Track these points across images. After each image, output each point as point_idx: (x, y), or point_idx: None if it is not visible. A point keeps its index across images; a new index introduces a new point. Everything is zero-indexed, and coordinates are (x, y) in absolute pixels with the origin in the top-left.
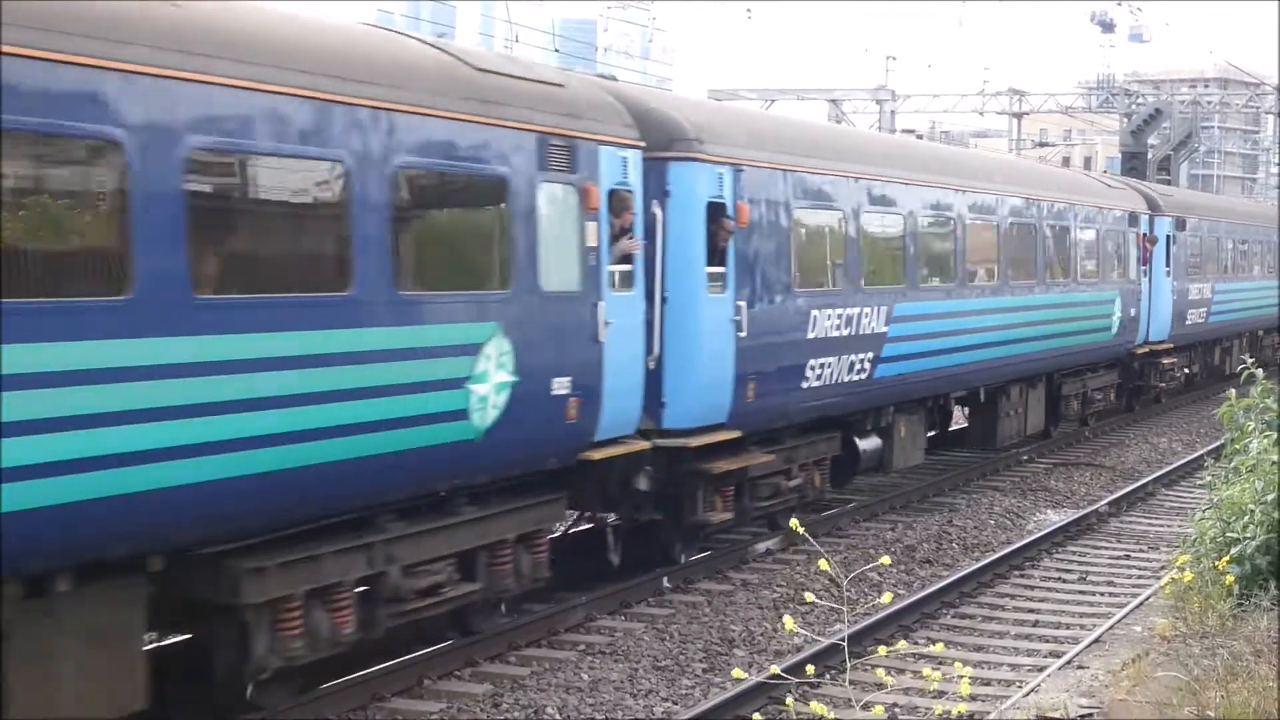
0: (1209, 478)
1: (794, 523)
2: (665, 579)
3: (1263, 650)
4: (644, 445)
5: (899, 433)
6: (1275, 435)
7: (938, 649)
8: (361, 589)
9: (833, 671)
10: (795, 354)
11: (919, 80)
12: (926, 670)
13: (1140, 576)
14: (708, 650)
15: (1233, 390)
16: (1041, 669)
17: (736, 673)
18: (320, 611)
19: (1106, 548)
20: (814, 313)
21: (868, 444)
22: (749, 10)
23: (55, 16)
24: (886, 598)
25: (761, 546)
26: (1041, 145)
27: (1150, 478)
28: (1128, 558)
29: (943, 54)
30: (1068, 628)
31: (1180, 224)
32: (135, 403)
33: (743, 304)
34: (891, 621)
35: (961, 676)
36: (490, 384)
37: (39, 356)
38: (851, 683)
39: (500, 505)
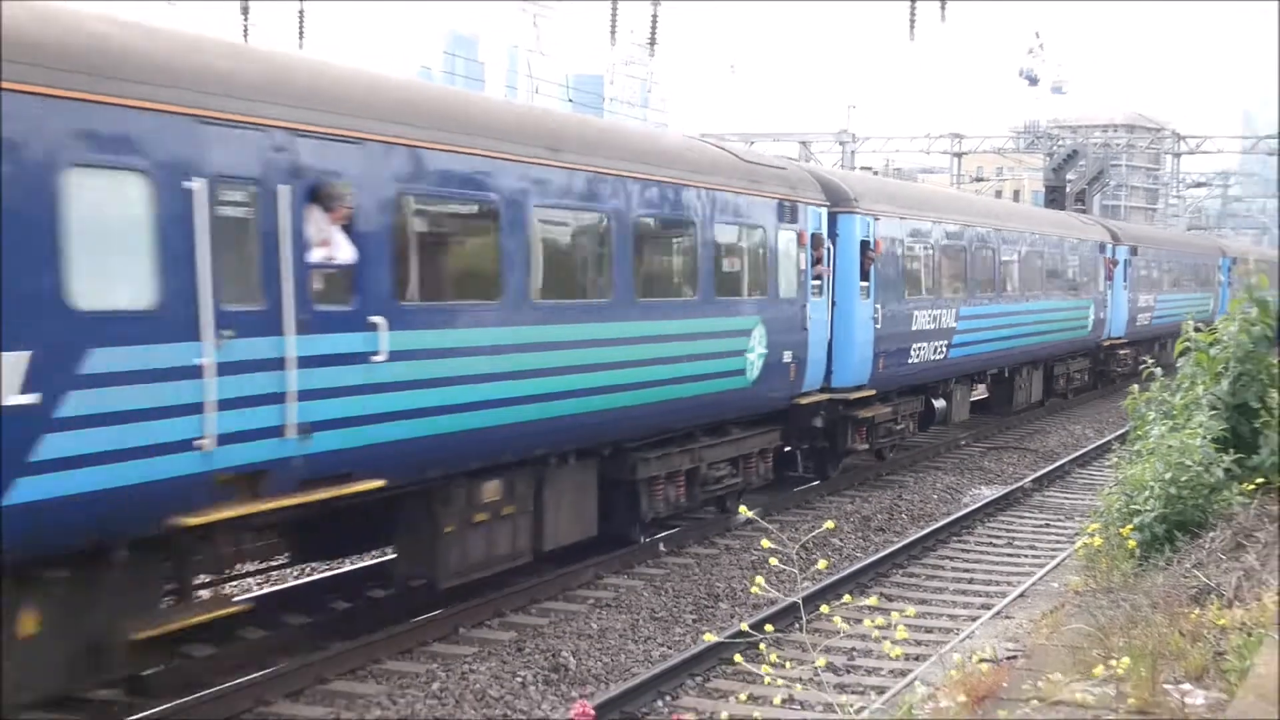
0: (1116, 459)
1: (743, 508)
2: (661, 544)
3: (1158, 602)
4: (823, 397)
5: (956, 397)
6: (1170, 423)
7: (873, 600)
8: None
9: (799, 622)
10: (906, 340)
11: (875, 124)
12: (867, 621)
13: (1058, 542)
14: (697, 604)
15: (1136, 385)
16: (975, 619)
17: (708, 636)
18: (671, 487)
19: (1030, 518)
20: (916, 313)
21: (939, 403)
22: (732, 65)
23: (458, 124)
24: (822, 564)
25: (742, 517)
26: (977, 180)
27: (1067, 459)
28: (1048, 526)
29: (896, 101)
30: (997, 584)
31: (1134, 250)
32: (592, 359)
33: (879, 307)
34: (851, 580)
35: (898, 625)
36: (756, 354)
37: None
38: (814, 630)
39: (751, 431)
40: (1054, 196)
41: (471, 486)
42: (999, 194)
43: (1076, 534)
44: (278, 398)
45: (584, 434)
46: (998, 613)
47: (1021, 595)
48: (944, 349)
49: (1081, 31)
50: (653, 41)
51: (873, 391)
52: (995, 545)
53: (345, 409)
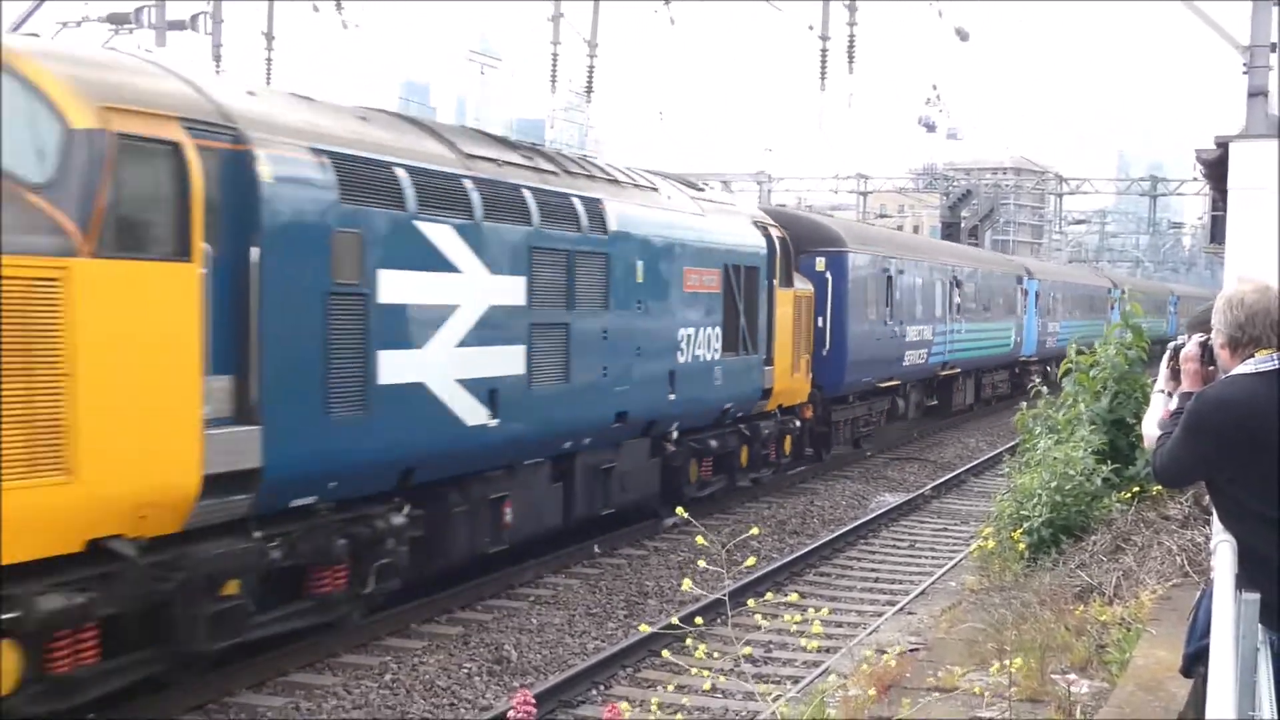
0: (1007, 469)
1: (680, 510)
2: (596, 545)
3: (1046, 600)
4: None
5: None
6: (1055, 437)
7: (793, 598)
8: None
9: (722, 617)
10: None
11: (789, 164)
12: (786, 616)
13: (955, 544)
14: (628, 601)
15: (1025, 403)
16: (881, 615)
17: (643, 627)
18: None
19: (930, 522)
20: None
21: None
22: (660, 112)
23: (859, 238)
24: (750, 562)
25: (669, 521)
26: (881, 216)
27: (963, 469)
28: (946, 530)
29: (807, 145)
30: (901, 583)
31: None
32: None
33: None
34: (768, 579)
35: (814, 620)
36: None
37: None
38: (736, 625)
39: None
40: (950, 232)
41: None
42: (900, 228)
43: (972, 537)
44: None
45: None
46: (901, 609)
47: (923, 593)
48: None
49: (974, 83)
50: (589, 90)
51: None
52: (899, 547)
53: None
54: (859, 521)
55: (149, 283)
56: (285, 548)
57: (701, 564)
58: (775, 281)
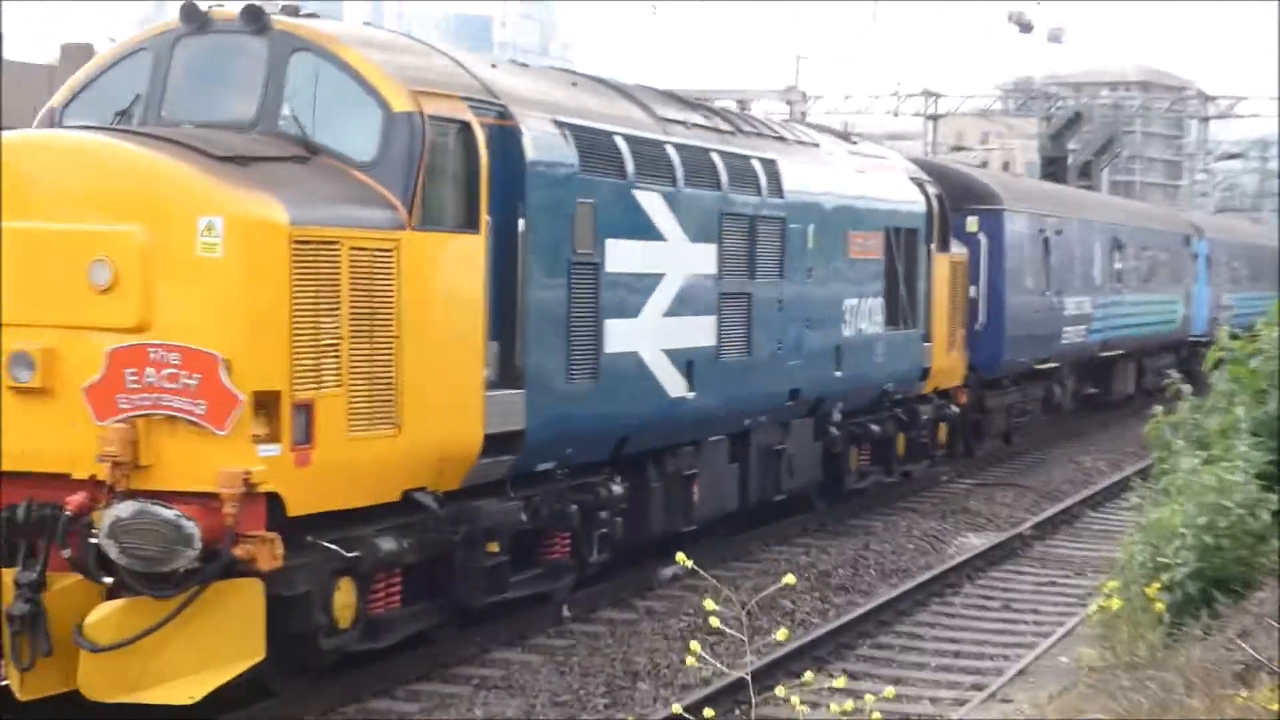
0: (1136, 499)
1: (681, 556)
2: (565, 607)
3: (1195, 682)
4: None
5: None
6: (1204, 454)
7: (841, 681)
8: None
9: (743, 706)
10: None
11: (831, 80)
12: (834, 705)
13: (1066, 604)
14: (610, 684)
15: (1159, 406)
16: (963, 702)
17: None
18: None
19: (1031, 573)
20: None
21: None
22: (654, 7)
23: (1016, 194)
24: (782, 634)
25: (668, 572)
26: (957, 149)
27: (1075, 499)
28: (1053, 584)
29: (855, 53)
30: (991, 658)
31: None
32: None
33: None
34: (806, 652)
35: (871, 711)
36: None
37: None
38: (763, 718)
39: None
40: (1052, 170)
41: None
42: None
43: (1089, 594)
44: None
45: None
46: (992, 694)
47: (1022, 673)
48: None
49: None
50: None
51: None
52: (987, 609)
53: None
54: (933, 573)
55: (450, 253)
56: (529, 511)
57: (715, 623)
58: (933, 246)
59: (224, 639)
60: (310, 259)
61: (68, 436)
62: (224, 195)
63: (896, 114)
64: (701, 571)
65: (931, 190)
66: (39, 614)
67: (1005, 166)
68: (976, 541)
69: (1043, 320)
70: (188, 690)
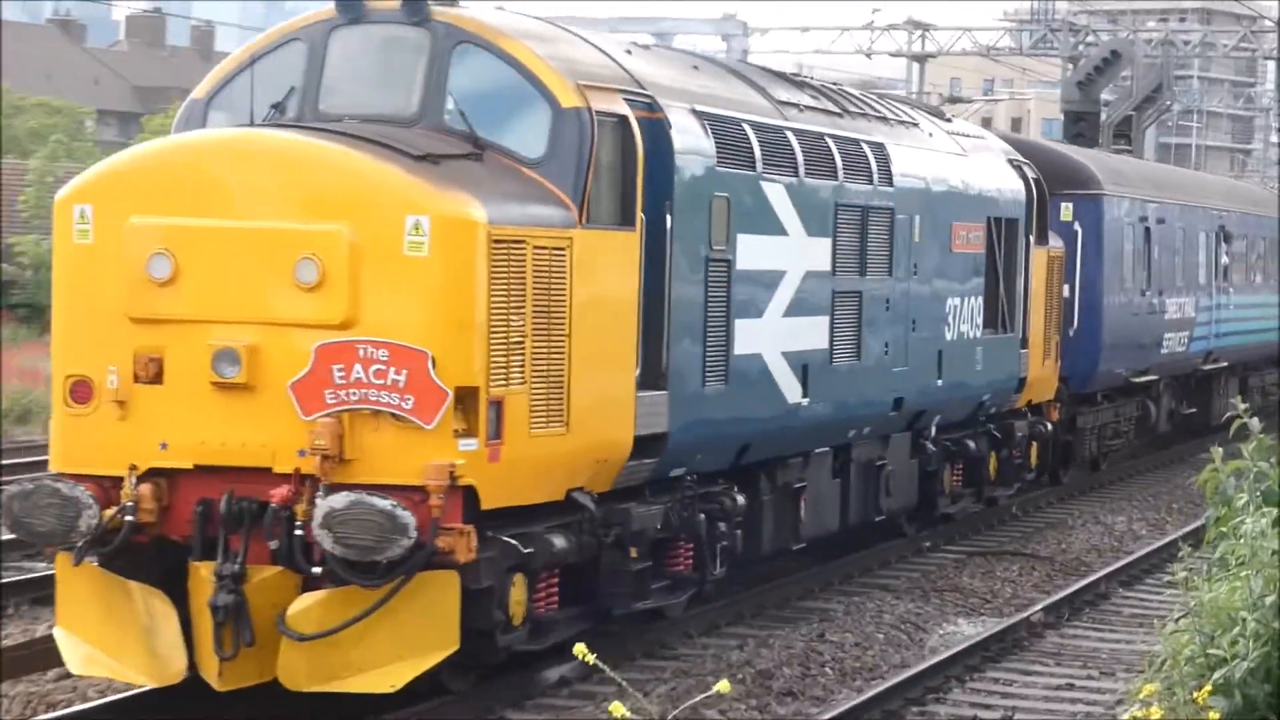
0: (1184, 572)
1: (580, 648)
2: None
3: None
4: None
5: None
6: (1275, 512)
7: None
8: None
9: None
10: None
11: (781, 8)
12: None
13: (1090, 714)
14: None
15: (1218, 449)
16: None
17: None
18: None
19: (1042, 673)
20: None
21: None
22: None
23: (1115, 177)
24: None
25: (554, 674)
26: (953, 100)
27: (1102, 573)
28: (1071, 687)
29: None
30: None
31: None
32: None
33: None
34: None
35: None
36: None
37: None
38: None
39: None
40: (1080, 129)
41: None
42: (987, 123)
43: (1119, 702)
44: None
45: None
46: None
47: None
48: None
49: None
50: None
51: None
52: None
53: None
54: (910, 672)
55: (610, 250)
56: (662, 518)
57: None
58: (1032, 238)
59: (422, 630)
60: (504, 258)
61: (271, 431)
62: (430, 195)
63: (871, 54)
64: (605, 668)
65: (1030, 174)
66: (242, 605)
67: (1015, 124)
68: (969, 630)
69: (1142, 326)
70: (387, 680)
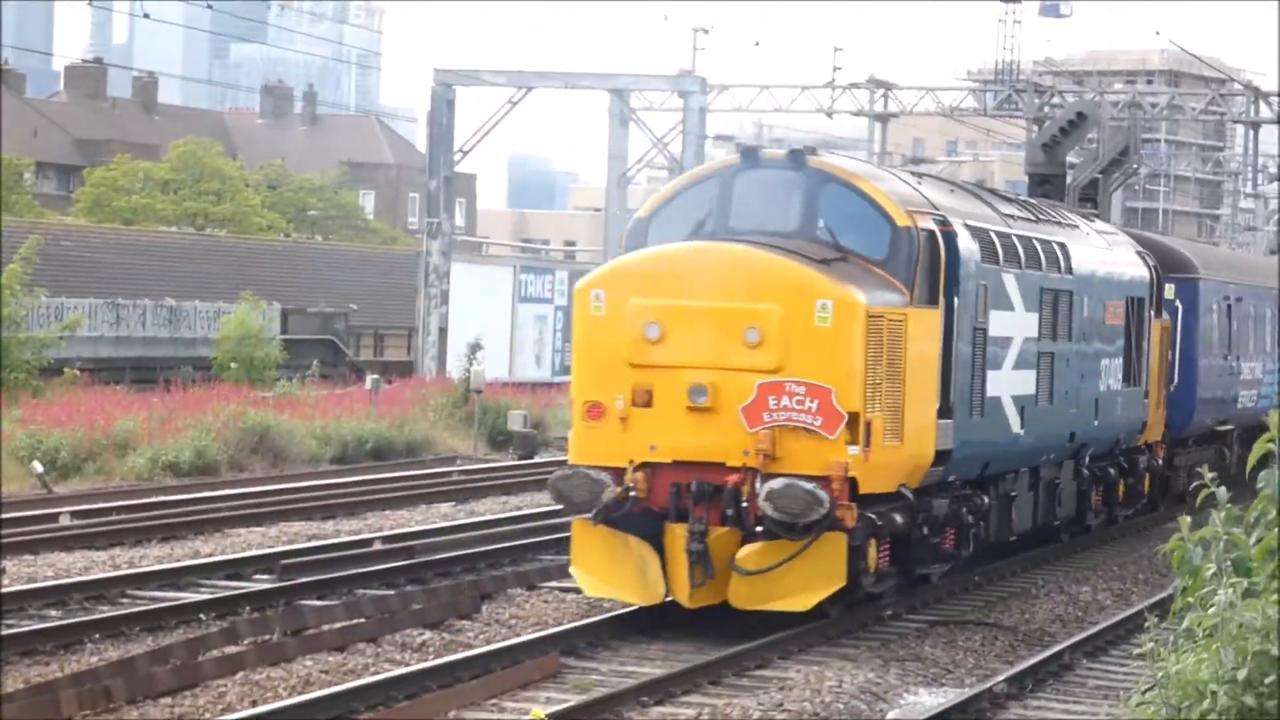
0: (1151, 644)
1: (536, 713)
2: None
3: None
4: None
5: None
6: (1245, 582)
7: None
8: None
9: None
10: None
11: (739, 64)
12: None
13: None
14: None
15: (1185, 518)
16: None
17: None
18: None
19: None
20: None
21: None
22: None
23: (1207, 262)
24: None
25: None
26: (915, 161)
27: (1067, 643)
28: None
29: (775, 28)
30: None
31: None
32: None
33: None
34: None
35: None
36: None
37: None
38: None
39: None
40: (1045, 190)
41: None
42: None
43: None
44: None
45: None
46: None
47: None
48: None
49: None
50: None
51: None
52: None
53: None
54: None
55: (926, 322)
56: (946, 509)
57: None
58: (1151, 312)
59: (822, 571)
60: (873, 328)
61: (726, 439)
62: (830, 286)
63: (832, 114)
64: None
65: (1150, 262)
66: (705, 551)
67: (982, 186)
68: (929, 700)
69: (1224, 384)
70: (801, 603)
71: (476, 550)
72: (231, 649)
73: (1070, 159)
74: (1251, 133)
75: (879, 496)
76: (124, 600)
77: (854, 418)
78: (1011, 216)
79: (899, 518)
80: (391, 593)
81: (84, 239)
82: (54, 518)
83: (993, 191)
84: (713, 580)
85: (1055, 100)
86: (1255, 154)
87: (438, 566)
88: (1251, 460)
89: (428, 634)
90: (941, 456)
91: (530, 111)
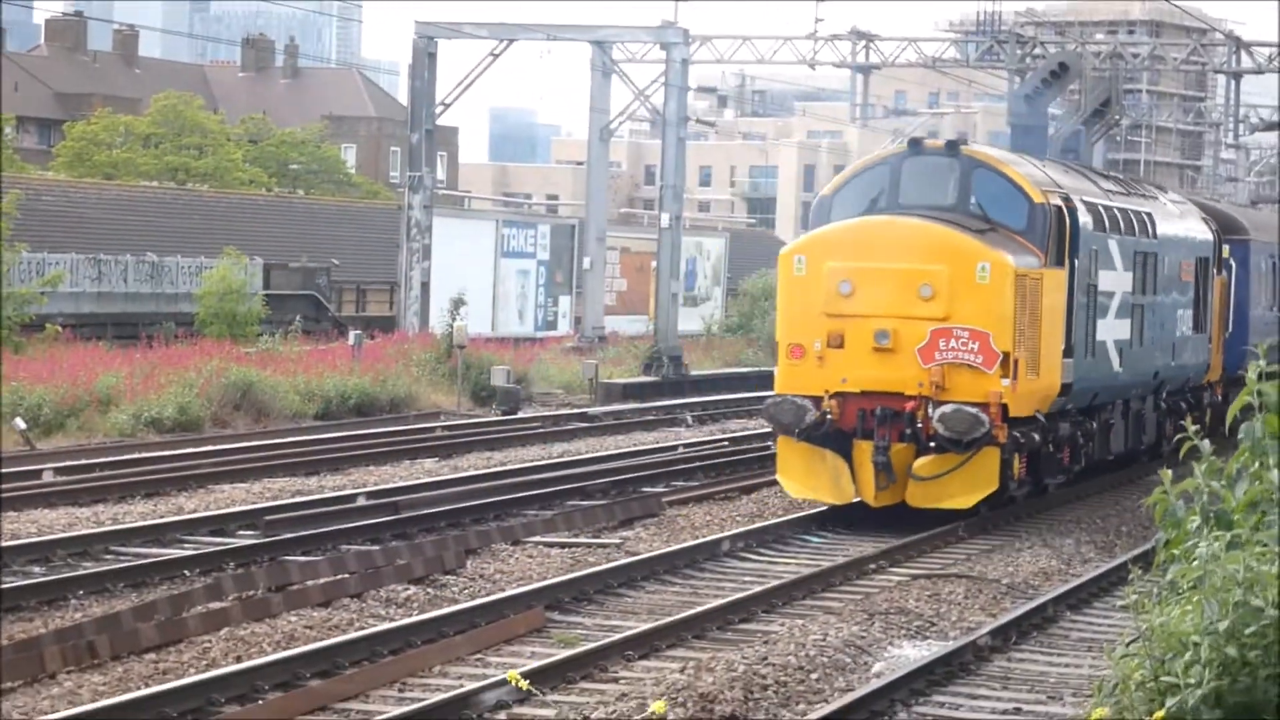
0: (1134, 595)
1: (513, 675)
2: None
3: None
4: None
5: None
6: (1227, 535)
7: None
8: None
9: None
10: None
11: (723, 17)
12: None
13: None
14: None
15: (1167, 471)
16: None
17: None
18: None
19: (989, 697)
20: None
21: None
22: None
23: (1256, 225)
24: None
25: (491, 697)
26: (898, 114)
27: (1050, 595)
28: (1019, 711)
29: None
30: None
31: None
32: None
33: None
34: None
35: None
36: None
37: None
38: None
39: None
40: (1028, 142)
41: None
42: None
43: None
44: None
45: None
46: None
47: None
48: None
49: None
50: None
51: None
52: None
53: None
54: (853, 696)
55: (1055, 279)
56: (1067, 432)
57: None
58: (1214, 269)
59: (981, 477)
60: (1019, 284)
61: (904, 373)
62: (988, 251)
63: (814, 65)
64: (539, 693)
65: (1213, 226)
66: (888, 463)
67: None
68: (913, 653)
69: (1270, 331)
70: (963, 503)
71: (461, 505)
72: (216, 605)
73: (1052, 110)
74: (1233, 83)
75: (1021, 419)
76: (108, 556)
77: (1006, 356)
78: (1111, 191)
79: (1036, 436)
80: (376, 548)
81: (65, 194)
82: (37, 474)
83: (1093, 169)
84: (893, 485)
85: (1037, 51)
86: (1236, 104)
87: (422, 522)
88: (1231, 412)
89: (412, 589)
90: (1064, 389)
91: (512, 64)
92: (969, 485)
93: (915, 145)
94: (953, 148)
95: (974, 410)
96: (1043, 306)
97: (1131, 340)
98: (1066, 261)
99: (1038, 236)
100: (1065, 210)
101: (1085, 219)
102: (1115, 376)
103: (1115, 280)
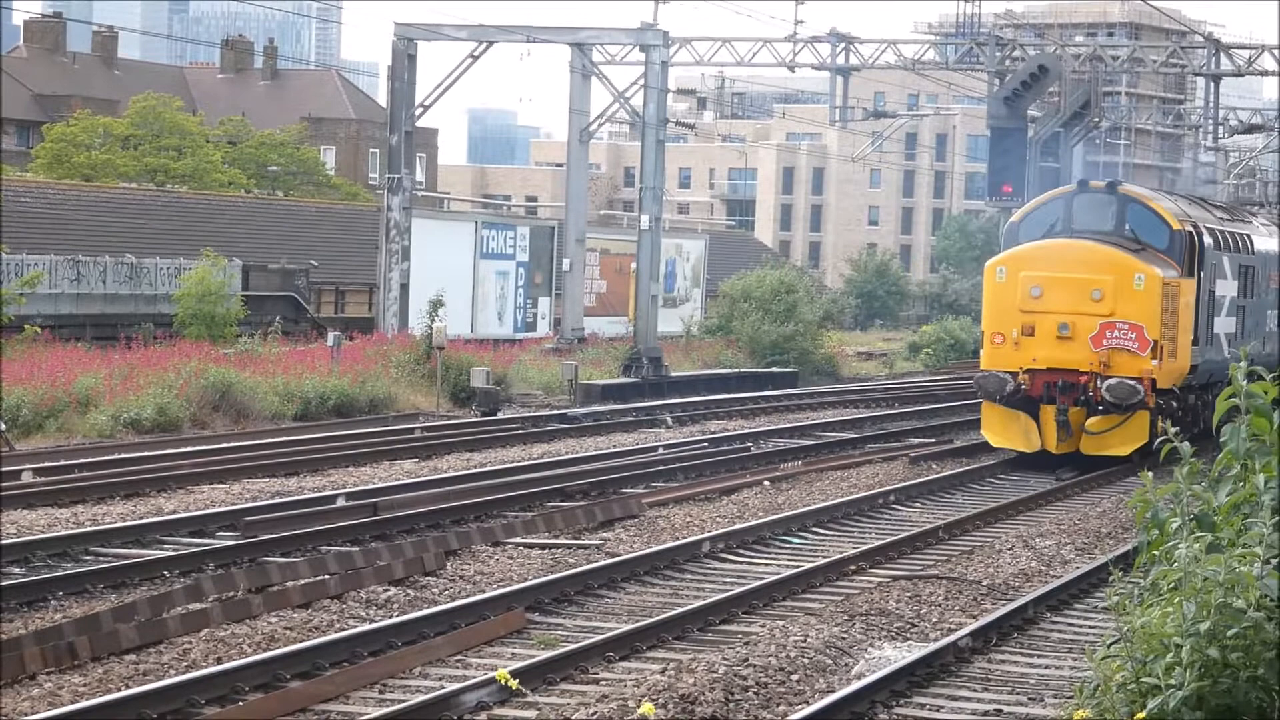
0: (1115, 597)
1: (502, 674)
2: None
3: None
4: None
5: None
6: (1209, 538)
7: None
8: None
9: None
10: None
11: (702, 19)
12: None
13: None
14: None
15: (1148, 474)
16: None
17: None
18: None
19: (969, 698)
20: None
21: None
22: None
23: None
24: None
25: (472, 698)
26: (877, 116)
27: (1031, 596)
28: (999, 713)
29: None
30: None
31: None
32: None
33: None
34: None
35: None
36: None
37: None
38: None
39: None
40: (1007, 145)
41: None
42: (912, 138)
43: None
44: None
45: None
46: None
47: None
48: None
49: None
50: None
51: None
52: None
53: None
54: (833, 698)
55: (1189, 287)
56: (1189, 405)
57: None
58: None
59: (1136, 432)
60: (1165, 290)
61: (1079, 356)
62: (1143, 266)
63: (793, 67)
64: (526, 692)
65: None
66: (1066, 422)
67: (941, 142)
68: (893, 654)
69: None
70: (1123, 451)
71: (440, 507)
72: (196, 606)
73: (1032, 112)
74: (1212, 85)
75: (1163, 390)
76: (87, 557)
77: (1155, 343)
78: (1222, 218)
79: (1174, 403)
80: (356, 549)
81: (44, 195)
82: (16, 475)
83: (1209, 201)
84: (1069, 439)
85: (1016, 54)
86: (1216, 107)
87: (402, 523)
88: (1216, 417)
89: (392, 590)
90: (1192, 369)
91: (492, 66)
92: (1126, 438)
93: (1083, 185)
94: (1112, 187)
95: (1132, 382)
96: (1179, 307)
97: (1236, 333)
98: (1195, 273)
99: (1176, 254)
100: (1195, 234)
101: (1209, 240)
102: (1226, 361)
103: (1226, 287)
